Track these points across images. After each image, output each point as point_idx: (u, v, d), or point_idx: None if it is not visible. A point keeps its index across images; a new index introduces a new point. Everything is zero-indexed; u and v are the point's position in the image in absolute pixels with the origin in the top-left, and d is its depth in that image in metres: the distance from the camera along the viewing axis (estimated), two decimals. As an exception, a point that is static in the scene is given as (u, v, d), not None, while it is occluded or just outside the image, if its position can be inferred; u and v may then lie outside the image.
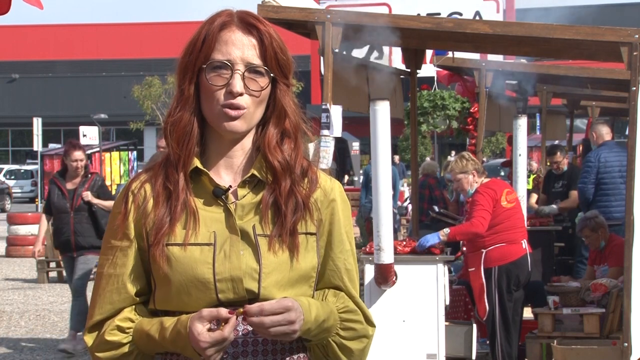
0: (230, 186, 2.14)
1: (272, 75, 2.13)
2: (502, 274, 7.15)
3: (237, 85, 2.09)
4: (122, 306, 2.15)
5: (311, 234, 2.17)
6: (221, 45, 2.11)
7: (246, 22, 2.13)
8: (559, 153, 10.84)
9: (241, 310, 2.01)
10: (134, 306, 2.15)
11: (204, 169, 2.14)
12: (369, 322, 2.24)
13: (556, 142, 17.96)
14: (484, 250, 7.16)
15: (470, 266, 7.31)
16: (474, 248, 7.28)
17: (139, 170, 2.23)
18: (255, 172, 2.15)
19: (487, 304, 7.14)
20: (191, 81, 2.13)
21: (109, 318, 2.15)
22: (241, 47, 2.10)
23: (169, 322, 2.08)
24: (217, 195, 2.13)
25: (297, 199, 2.14)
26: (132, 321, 2.14)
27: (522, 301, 7.42)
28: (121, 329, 2.13)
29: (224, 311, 2.02)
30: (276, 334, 2.02)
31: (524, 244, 7.28)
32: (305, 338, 2.15)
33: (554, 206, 10.38)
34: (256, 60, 2.11)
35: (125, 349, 2.13)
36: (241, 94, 2.10)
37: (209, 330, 2.02)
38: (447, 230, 7.08)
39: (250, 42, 2.11)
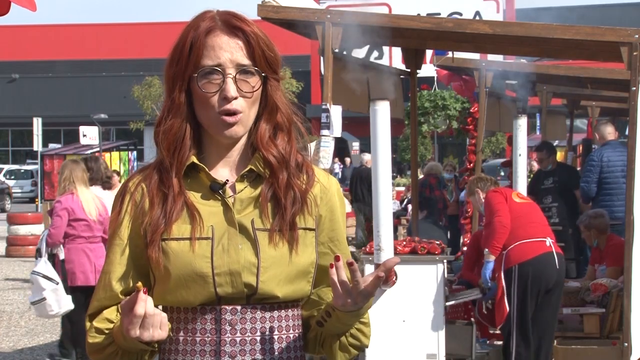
0: (227, 180, 2.15)
1: (263, 74, 2.13)
2: (522, 273, 6.71)
3: (231, 90, 2.09)
4: (107, 304, 2.15)
5: (310, 229, 2.18)
6: (209, 51, 2.10)
7: (231, 25, 2.13)
8: (540, 152, 10.80)
9: (140, 284, 1.98)
10: (116, 305, 2.14)
11: (201, 164, 2.14)
12: (370, 335, 2.27)
13: (555, 142, 17.97)
14: (504, 252, 6.82)
15: (495, 272, 6.93)
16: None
17: (129, 175, 2.23)
18: (253, 167, 2.15)
19: (507, 307, 6.71)
20: (181, 89, 2.13)
21: (96, 314, 2.16)
22: (229, 50, 2.11)
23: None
24: (215, 189, 2.13)
25: (294, 191, 2.15)
26: (111, 322, 2.13)
27: (554, 305, 6.87)
28: (99, 331, 2.13)
29: (132, 295, 1.99)
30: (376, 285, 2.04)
31: (549, 242, 6.86)
32: (320, 322, 2.16)
33: None
34: (245, 61, 2.11)
35: (109, 349, 2.13)
36: (236, 98, 2.10)
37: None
38: (485, 251, 6.92)
39: (237, 45, 2.11)
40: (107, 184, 8.45)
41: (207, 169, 2.14)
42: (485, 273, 6.96)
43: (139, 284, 1.98)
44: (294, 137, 2.20)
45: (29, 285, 12.90)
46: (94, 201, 8.12)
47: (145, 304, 1.97)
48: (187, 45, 2.12)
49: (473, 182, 7.57)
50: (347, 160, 31.79)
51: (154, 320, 1.99)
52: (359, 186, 15.90)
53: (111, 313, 2.14)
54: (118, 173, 17.27)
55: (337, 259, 2.03)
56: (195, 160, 2.14)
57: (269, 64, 2.14)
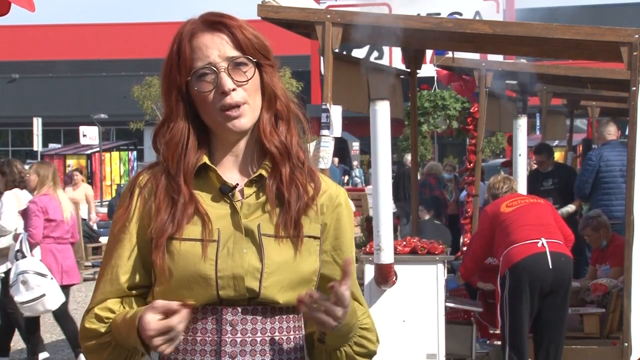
0: (237, 184, 2.15)
1: (255, 61, 2.13)
2: (512, 277, 6.54)
3: (227, 83, 2.10)
4: (113, 297, 2.14)
5: (314, 237, 2.18)
6: (197, 53, 2.11)
7: (211, 22, 2.14)
8: (540, 155, 10.79)
9: (192, 301, 1.99)
10: (121, 298, 2.14)
11: (212, 165, 2.15)
12: (378, 340, 2.26)
13: (555, 142, 17.97)
14: (500, 259, 6.74)
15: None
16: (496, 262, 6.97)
17: (139, 170, 2.23)
18: (263, 172, 2.15)
19: (499, 315, 6.69)
20: (178, 98, 2.14)
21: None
22: (215, 47, 2.11)
23: (132, 312, 2.07)
24: (224, 192, 2.14)
25: (298, 188, 2.15)
26: (113, 312, 2.12)
27: (558, 307, 6.63)
28: (99, 318, 2.12)
29: (175, 304, 1.99)
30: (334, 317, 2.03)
31: (542, 242, 6.59)
32: (320, 339, 2.16)
33: (572, 206, 10.23)
34: (234, 53, 2.12)
35: (104, 338, 2.12)
36: (234, 90, 2.10)
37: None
38: (458, 274, 7.41)
39: (222, 39, 2.12)
40: (22, 184, 8.43)
41: (217, 171, 2.14)
42: (448, 284, 7.51)
43: (193, 302, 2.00)
44: (293, 126, 2.19)
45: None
46: (68, 203, 8.19)
47: (184, 322, 1.99)
48: (175, 53, 2.13)
49: (488, 187, 7.46)
50: (335, 160, 31.75)
51: (174, 337, 2.00)
52: (401, 186, 15.87)
53: (115, 304, 2.13)
54: (81, 171, 17.22)
55: (309, 296, 2.03)
56: (207, 161, 2.14)
57: (258, 51, 2.14)
